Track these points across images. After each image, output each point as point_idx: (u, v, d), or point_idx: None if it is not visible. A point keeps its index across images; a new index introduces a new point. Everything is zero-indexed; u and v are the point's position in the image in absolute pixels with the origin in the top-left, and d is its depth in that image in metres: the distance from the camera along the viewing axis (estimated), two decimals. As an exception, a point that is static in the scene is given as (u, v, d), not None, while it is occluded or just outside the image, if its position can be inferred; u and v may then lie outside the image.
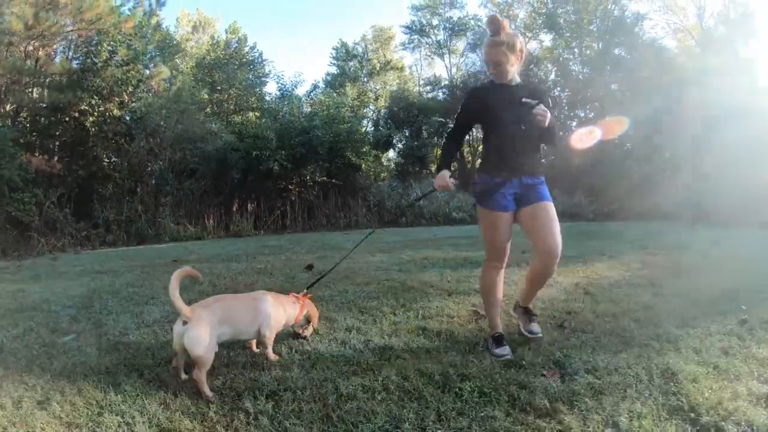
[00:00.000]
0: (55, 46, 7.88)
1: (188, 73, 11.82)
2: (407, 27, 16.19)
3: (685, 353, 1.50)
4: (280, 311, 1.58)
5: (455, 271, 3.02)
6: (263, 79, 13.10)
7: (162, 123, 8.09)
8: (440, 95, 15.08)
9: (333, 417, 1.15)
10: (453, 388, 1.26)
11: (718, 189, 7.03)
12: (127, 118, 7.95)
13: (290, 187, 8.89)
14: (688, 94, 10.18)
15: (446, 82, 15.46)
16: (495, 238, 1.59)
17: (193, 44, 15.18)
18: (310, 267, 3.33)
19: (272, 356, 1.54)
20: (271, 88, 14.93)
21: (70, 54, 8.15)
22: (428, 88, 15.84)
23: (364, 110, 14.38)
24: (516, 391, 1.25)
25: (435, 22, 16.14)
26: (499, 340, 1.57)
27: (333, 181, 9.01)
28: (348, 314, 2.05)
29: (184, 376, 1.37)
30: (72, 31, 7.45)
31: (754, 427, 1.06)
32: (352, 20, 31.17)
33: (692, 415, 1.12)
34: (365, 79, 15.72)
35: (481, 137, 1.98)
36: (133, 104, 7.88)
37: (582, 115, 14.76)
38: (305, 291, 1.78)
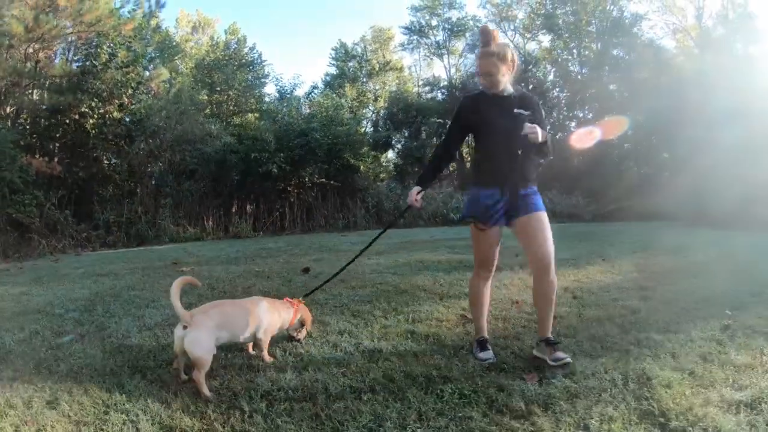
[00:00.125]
0: (54, 49, 7.93)
1: (188, 74, 11.87)
2: (406, 27, 16.23)
3: (663, 359, 1.53)
4: (275, 316, 1.66)
5: (448, 275, 3.09)
6: (262, 80, 13.14)
7: (162, 124, 8.15)
8: (439, 96, 15.14)
9: (321, 416, 1.23)
10: (435, 390, 1.34)
11: (717, 190, 7.00)
12: (127, 120, 8.01)
13: (289, 188, 8.96)
14: (686, 94, 10.13)
15: (445, 83, 15.50)
16: (483, 249, 1.62)
17: (192, 45, 15.20)
18: (306, 270, 3.40)
19: (267, 358, 1.62)
20: (270, 89, 14.97)
21: (70, 56, 8.21)
22: (427, 88, 15.89)
23: (363, 111, 14.43)
24: (495, 393, 1.32)
25: (434, 22, 16.17)
26: (483, 344, 1.64)
27: (331, 182, 9.08)
28: (341, 318, 2.12)
29: (184, 377, 1.45)
30: (72, 33, 7.50)
31: (722, 434, 1.06)
32: (352, 21, 31.18)
33: (661, 419, 1.15)
34: (364, 80, 15.76)
35: None
36: (133, 106, 7.93)
37: (581, 115, 14.82)
38: (301, 298, 1.86)
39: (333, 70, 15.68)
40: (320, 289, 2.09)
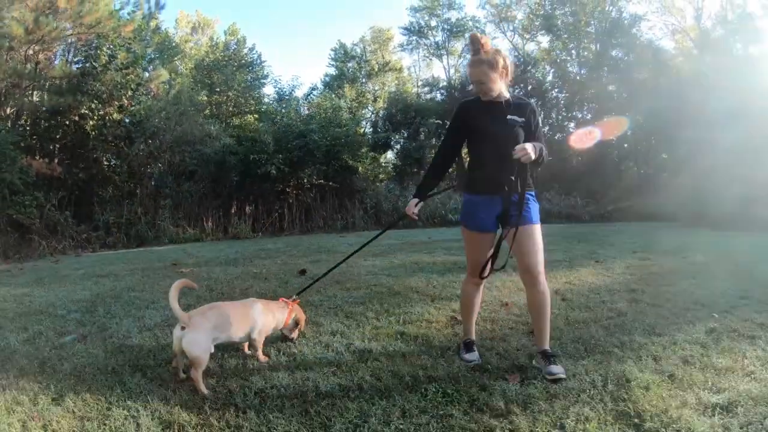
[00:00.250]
0: (54, 50, 7.97)
1: (187, 75, 11.90)
2: (405, 28, 16.26)
3: (644, 361, 1.55)
4: (269, 317, 1.73)
5: (442, 276, 3.14)
6: (262, 80, 13.17)
7: (161, 125, 8.19)
8: (438, 96, 15.17)
9: (311, 412, 1.30)
10: (420, 389, 1.40)
11: (716, 190, 6.94)
12: (127, 121, 8.05)
13: (287, 189, 9.01)
14: (686, 95, 10.10)
15: (444, 83, 15.54)
16: (475, 256, 1.63)
17: (192, 45, 15.23)
18: (303, 272, 3.46)
19: (262, 358, 1.68)
20: (269, 90, 15.00)
21: (70, 58, 8.24)
22: (426, 89, 15.92)
23: (363, 111, 14.47)
24: (476, 392, 1.37)
25: (433, 23, 16.20)
26: (469, 346, 1.69)
27: (330, 183, 9.13)
28: (334, 319, 2.18)
29: (182, 375, 1.51)
30: (71, 35, 7.53)
31: (694, 435, 1.08)
32: (351, 22, 31.14)
33: (636, 420, 1.18)
34: (364, 80, 15.80)
35: None
36: (133, 108, 7.97)
37: (580, 116, 14.85)
38: (294, 296, 1.92)
39: (332, 71, 15.73)
40: (316, 291, 2.15)
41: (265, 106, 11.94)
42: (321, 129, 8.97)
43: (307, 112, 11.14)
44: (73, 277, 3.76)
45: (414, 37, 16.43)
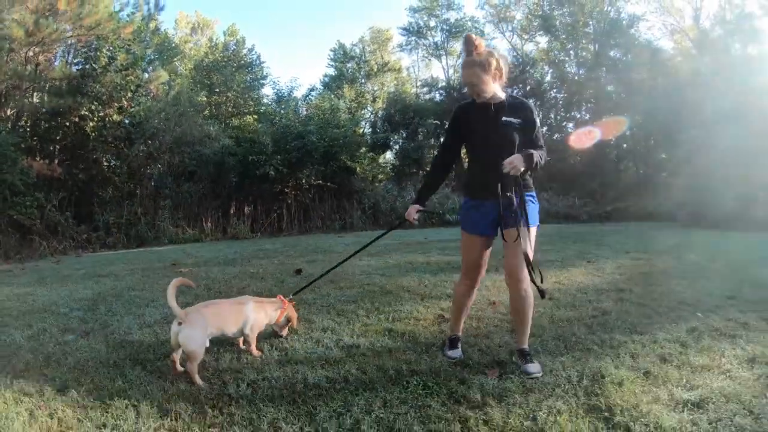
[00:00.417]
0: (54, 52, 8.03)
1: (187, 76, 11.96)
2: (404, 29, 16.32)
3: (621, 358, 1.58)
4: (261, 314, 1.82)
5: (434, 276, 3.20)
6: (261, 81, 13.23)
7: (161, 126, 8.26)
8: (437, 97, 15.23)
9: (298, 401, 1.38)
10: (402, 382, 1.48)
11: (715, 190, 6.98)
12: (127, 122, 8.11)
13: (286, 190, 9.09)
14: (684, 95, 10.12)
15: (443, 84, 15.60)
16: (470, 258, 1.64)
17: (191, 46, 15.29)
18: (298, 272, 3.54)
19: (255, 352, 1.77)
20: (268, 91, 15.05)
21: (70, 59, 8.31)
22: (425, 89, 15.98)
23: (362, 112, 14.53)
24: (456, 385, 1.45)
25: (432, 23, 16.26)
26: (453, 343, 1.75)
27: (328, 184, 9.21)
28: (326, 316, 2.27)
29: (179, 368, 1.60)
30: (71, 36, 7.60)
31: (662, 429, 1.13)
32: (350, 23, 31.17)
33: (606, 414, 1.21)
34: (363, 81, 15.86)
35: None
36: (132, 109, 8.03)
37: (578, 116, 14.90)
38: (290, 297, 2.01)
39: (332, 72, 15.80)
40: (310, 290, 2.23)
41: (264, 107, 12.00)
42: (319, 130, 9.04)
43: (305, 113, 11.19)
44: (74, 276, 3.84)
45: (413, 38, 16.50)
